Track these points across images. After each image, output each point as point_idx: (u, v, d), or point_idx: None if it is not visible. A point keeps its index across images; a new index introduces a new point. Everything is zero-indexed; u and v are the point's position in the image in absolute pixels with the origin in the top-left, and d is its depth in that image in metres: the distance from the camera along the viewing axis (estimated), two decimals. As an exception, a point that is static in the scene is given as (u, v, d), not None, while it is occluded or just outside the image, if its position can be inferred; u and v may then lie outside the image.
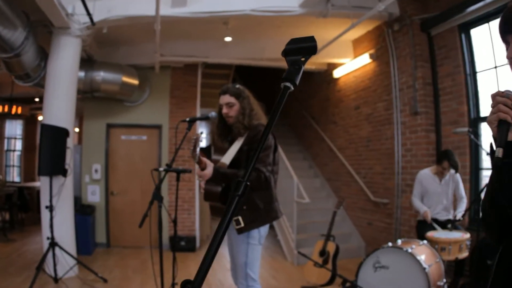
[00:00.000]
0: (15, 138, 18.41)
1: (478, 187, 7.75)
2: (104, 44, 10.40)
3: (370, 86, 10.46)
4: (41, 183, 8.33)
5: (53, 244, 7.64)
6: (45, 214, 7.86)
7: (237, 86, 4.68)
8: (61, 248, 7.78)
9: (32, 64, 8.10)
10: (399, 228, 9.05)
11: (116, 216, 11.67)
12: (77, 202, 10.43)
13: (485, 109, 7.70)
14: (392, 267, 5.48)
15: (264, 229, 4.54)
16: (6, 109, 15.22)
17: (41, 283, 7.48)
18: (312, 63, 11.95)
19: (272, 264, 9.90)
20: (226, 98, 4.57)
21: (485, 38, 7.64)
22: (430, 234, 6.19)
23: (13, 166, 18.28)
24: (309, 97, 14.45)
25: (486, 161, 7.70)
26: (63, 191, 8.08)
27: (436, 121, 8.52)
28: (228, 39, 9.87)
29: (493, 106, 1.76)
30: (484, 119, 7.47)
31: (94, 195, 11.53)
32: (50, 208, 7.63)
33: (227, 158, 4.55)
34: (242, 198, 1.51)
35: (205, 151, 13.89)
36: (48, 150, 7.73)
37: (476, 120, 7.74)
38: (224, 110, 4.59)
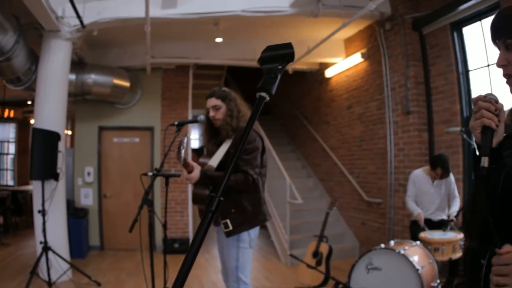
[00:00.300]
0: (8, 142, 18.36)
1: (471, 186, 7.73)
2: (95, 46, 10.36)
3: (362, 85, 10.44)
4: (33, 187, 8.29)
5: (46, 248, 7.59)
6: (37, 219, 7.81)
7: (223, 88, 4.67)
8: (54, 252, 7.74)
9: (23, 68, 8.07)
10: (393, 228, 9.03)
11: (110, 219, 11.63)
12: (70, 205, 10.41)
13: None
14: (385, 268, 5.45)
15: (254, 232, 4.52)
16: (-2, 112, 15.20)
17: (35, 288, 7.47)
18: (304, 63, 11.92)
19: (266, 265, 9.89)
20: (212, 101, 4.56)
21: (477, 37, 7.62)
22: (423, 234, 6.17)
23: (7, 169, 18.24)
24: (301, 97, 14.45)
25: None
26: (55, 195, 8.03)
27: (428, 120, 8.50)
28: (219, 40, 9.84)
29: (475, 111, 1.74)
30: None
31: (87, 198, 11.49)
32: (43, 212, 7.59)
33: (214, 160, 4.54)
34: (216, 213, 1.52)
35: (198, 152, 13.83)
36: (39, 154, 7.69)
37: (469, 119, 7.69)
38: (211, 113, 4.58)
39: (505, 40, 1.71)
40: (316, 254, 7.72)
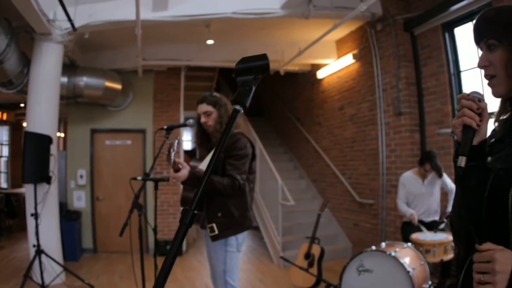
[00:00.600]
0: (2, 144, 18.33)
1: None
2: (87, 49, 10.35)
3: (354, 86, 10.45)
4: (26, 190, 8.27)
5: (39, 251, 7.57)
6: (30, 222, 7.81)
7: (214, 94, 4.68)
8: (47, 255, 7.71)
9: (15, 71, 8.03)
10: (385, 229, 9.04)
11: (102, 221, 11.61)
12: (62, 208, 10.41)
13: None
14: (376, 270, 5.45)
15: (242, 236, 4.55)
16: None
17: (28, 291, 7.46)
18: (296, 64, 11.93)
19: (259, 267, 9.89)
20: (203, 107, 4.57)
21: (469, 37, 7.60)
22: (414, 236, 6.18)
23: (0, 172, 18.19)
24: (294, 98, 14.46)
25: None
26: (48, 198, 8.02)
27: (420, 122, 8.50)
28: (210, 42, 9.83)
29: (458, 109, 1.75)
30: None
31: (79, 200, 11.47)
32: (35, 215, 7.56)
33: (204, 165, 4.54)
34: (190, 226, 1.58)
35: (190, 154, 13.82)
36: (31, 158, 7.66)
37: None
38: (203, 119, 4.60)
39: (487, 41, 1.74)
40: (308, 255, 7.72)
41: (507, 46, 1.67)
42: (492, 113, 1.80)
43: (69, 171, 11.50)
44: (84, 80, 10.06)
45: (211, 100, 4.57)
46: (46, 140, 8.00)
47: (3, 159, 18.24)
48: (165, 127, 4.76)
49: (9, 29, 7.14)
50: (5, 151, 18.35)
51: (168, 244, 11.24)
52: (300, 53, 10.12)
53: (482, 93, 1.76)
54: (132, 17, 7.54)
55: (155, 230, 5.30)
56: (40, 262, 7.54)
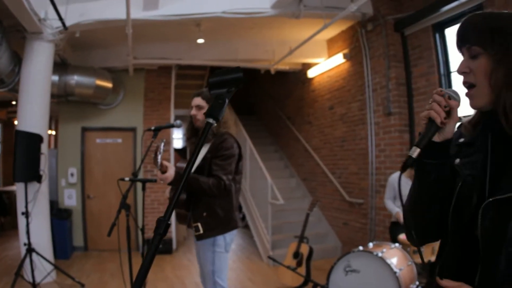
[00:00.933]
0: (-7, 142, 18.29)
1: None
2: (78, 47, 10.34)
3: (344, 86, 10.46)
4: (17, 189, 8.27)
5: (30, 250, 7.56)
6: (21, 220, 7.79)
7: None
8: (38, 254, 7.70)
9: (6, 70, 8.01)
10: (374, 229, 9.06)
11: (93, 220, 11.61)
12: (53, 206, 10.38)
13: (460, 109, 7.73)
14: (363, 271, 5.47)
15: (230, 236, 4.57)
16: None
17: (19, 289, 7.47)
18: (286, 63, 11.95)
19: (249, 266, 9.92)
20: (197, 101, 4.61)
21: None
22: (402, 236, 6.20)
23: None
24: (284, 97, 14.49)
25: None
26: (38, 196, 7.99)
27: (409, 122, 8.52)
28: (200, 41, 9.83)
29: (430, 103, 1.74)
30: (459, 119, 7.47)
31: (70, 199, 11.46)
32: (26, 214, 7.55)
33: None
34: (164, 235, 1.60)
35: (180, 152, 13.82)
36: (22, 156, 7.65)
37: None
38: (193, 111, 4.63)
39: (470, 47, 1.70)
40: (296, 255, 7.75)
41: (492, 55, 1.63)
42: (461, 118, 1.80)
43: (60, 169, 11.49)
44: (75, 79, 10.09)
45: (206, 95, 4.60)
46: (37, 139, 7.99)
47: (-5, 157, 18.20)
48: (152, 128, 4.77)
49: (0, 28, 7.14)
50: (-3, 149, 18.30)
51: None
52: (291, 52, 10.15)
53: (460, 94, 1.76)
54: (123, 16, 7.54)
55: (142, 230, 5.31)
56: (31, 261, 7.52)
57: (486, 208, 1.58)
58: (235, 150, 4.53)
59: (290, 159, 14.16)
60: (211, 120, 1.67)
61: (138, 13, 7.92)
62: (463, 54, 1.75)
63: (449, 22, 7.74)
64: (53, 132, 16.20)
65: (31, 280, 7.45)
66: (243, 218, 12.49)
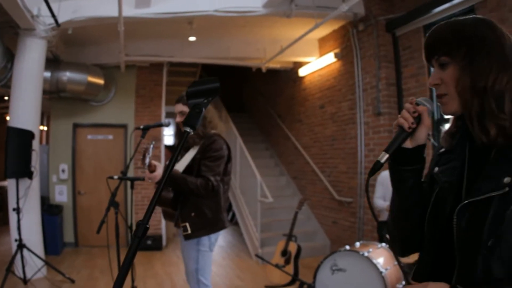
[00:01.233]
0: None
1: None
2: (70, 44, 10.33)
3: (335, 85, 10.50)
4: (8, 185, 8.27)
5: (21, 246, 7.61)
6: (12, 216, 7.82)
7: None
8: (29, 250, 7.75)
9: (-1, 66, 8.05)
10: (362, 228, 9.11)
11: (84, 216, 11.61)
12: (44, 202, 10.39)
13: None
14: (349, 270, 5.51)
15: (215, 236, 4.64)
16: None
17: (10, 285, 7.48)
18: (278, 62, 11.98)
19: (238, 263, 9.96)
20: (179, 107, 4.66)
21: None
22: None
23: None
24: (276, 95, 14.52)
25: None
26: (29, 192, 8.02)
27: (399, 122, 8.53)
28: (192, 39, 9.87)
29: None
30: (448, 120, 7.49)
31: (61, 195, 11.47)
32: (17, 210, 7.58)
33: (181, 165, 4.61)
34: (142, 238, 1.60)
35: (172, 149, 13.87)
36: (14, 153, 7.68)
37: (439, 122, 7.75)
38: (177, 119, 4.69)
39: (439, 58, 1.71)
40: (285, 253, 7.78)
41: (458, 62, 1.66)
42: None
43: (51, 165, 11.49)
44: (67, 75, 10.10)
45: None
46: (28, 136, 8.02)
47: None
48: (141, 126, 4.80)
49: (-7, 25, 7.17)
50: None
51: (148, 239, 11.31)
52: (282, 51, 10.19)
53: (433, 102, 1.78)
54: (115, 13, 7.52)
55: (130, 228, 5.37)
56: (22, 257, 7.57)
57: (462, 210, 1.61)
58: (224, 151, 4.58)
59: (280, 157, 14.20)
60: (188, 129, 1.73)
61: (130, 11, 7.93)
62: (433, 66, 1.77)
63: (441, 23, 7.76)
64: (45, 128, 16.18)
65: (22, 276, 7.50)
66: (233, 217, 12.54)
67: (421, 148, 1.80)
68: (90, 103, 11.71)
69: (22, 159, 7.88)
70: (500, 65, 1.59)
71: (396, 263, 5.67)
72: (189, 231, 4.44)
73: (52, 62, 9.89)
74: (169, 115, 12.91)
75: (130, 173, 9.95)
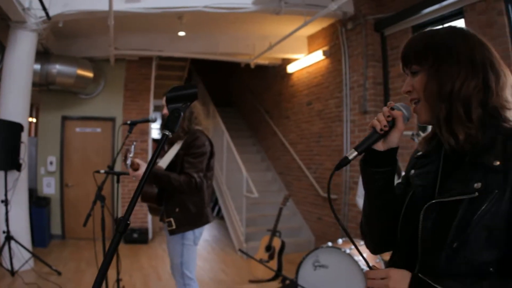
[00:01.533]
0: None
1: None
2: (61, 36, 10.31)
3: (322, 82, 10.56)
4: (-4, 177, 8.29)
5: (8, 238, 7.65)
6: (0, 208, 7.83)
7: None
8: (16, 241, 7.79)
9: (-10, 58, 8.07)
10: (346, 225, 9.16)
11: (71, 208, 11.62)
12: (32, 194, 10.39)
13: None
14: (331, 266, 5.58)
15: (199, 230, 4.73)
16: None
17: (-2, 276, 7.52)
18: (266, 58, 12.04)
19: (223, 258, 10.04)
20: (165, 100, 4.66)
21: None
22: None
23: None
24: (263, 91, 14.56)
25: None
26: (18, 185, 8.03)
27: (385, 121, 8.57)
28: (181, 33, 9.90)
29: None
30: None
31: (49, 187, 11.47)
32: (5, 202, 7.62)
33: (164, 161, 4.68)
34: (124, 234, 1.67)
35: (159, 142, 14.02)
36: (2, 145, 7.68)
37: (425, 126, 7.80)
38: (164, 111, 4.73)
39: (411, 66, 1.77)
40: (269, 248, 7.85)
41: (427, 69, 1.72)
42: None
43: (40, 157, 11.48)
44: (57, 68, 10.13)
45: None
46: (17, 128, 8.03)
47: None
48: (128, 122, 4.85)
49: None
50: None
51: (135, 232, 11.33)
52: (271, 48, 10.22)
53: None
54: (106, 7, 7.54)
55: (116, 220, 5.41)
56: (10, 249, 7.62)
57: (429, 209, 1.67)
58: (206, 148, 4.67)
59: (267, 153, 14.25)
60: (167, 132, 1.78)
61: (120, 5, 7.94)
62: (407, 74, 1.82)
63: (429, 24, 7.74)
64: (34, 120, 16.17)
65: (9, 267, 7.55)
66: (219, 211, 12.58)
67: (393, 151, 1.83)
68: (79, 96, 11.71)
69: (11, 152, 7.89)
70: (468, 70, 1.64)
71: (378, 260, 5.75)
72: (174, 227, 4.52)
73: (42, 54, 9.88)
74: (158, 108, 12.91)
75: (118, 167, 9.97)
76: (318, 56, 10.56)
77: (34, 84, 9.00)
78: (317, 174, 10.67)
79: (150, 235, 11.87)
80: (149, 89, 12.23)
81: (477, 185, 1.56)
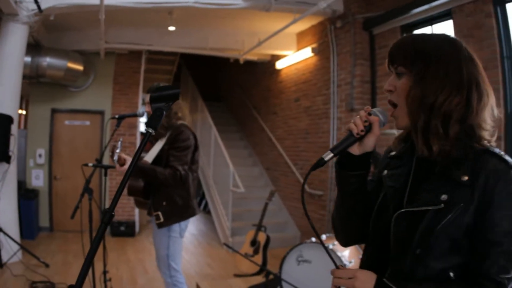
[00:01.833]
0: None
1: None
2: (52, 29, 10.28)
3: (310, 79, 10.63)
4: (-14, 169, 8.30)
5: (-3, 229, 7.70)
6: (-11, 200, 7.86)
7: (161, 85, 4.84)
8: (5, 233, 7.81)
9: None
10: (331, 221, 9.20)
11: (59, 201, 11.63)
12: (21, 186, 10.37)
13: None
14: (314, 261, 5.62)
15: (185, 223, 4.84)
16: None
17: (-13, 268, 7.54)
18: (255, 54, 12.06)
19: (209, 252, 10.10)
20: (148, 97, 4.71)
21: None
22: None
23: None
24: (252, 86, 14.61)
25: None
26: (7, 177, 8.06)
27: (371, 119, 8.62)
28: (171, 28, 9.93)
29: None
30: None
31: (38, 179, 11.47)
32: (-5, 194, 7.66)
33: (149, 156, 4.81)
34: (108, 225, 1.75)
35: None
36: (-9, 137, 7.72)
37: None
38: (146, 108, 4.91)
39: (397, 66, 1.77)
40: (254, 242, 7.91)
41: (413, 75, 1.71)
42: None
43: (29, 149, 11.48)
44: (47, 61, 10.15)
45: None
46: (7, 120, 8.04)
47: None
48: (116, 116, 4.90)
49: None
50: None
51: (122, 225, 11.37)
52: (260, 44, 10.29)
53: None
54: (97, 1, 7.54)
55: (104, 213, 5.46)
56: (-2, 240, 7.66)
57: (399, 217, 1.74)
58: (191, 141, 4.77)
59: (254, 148, 14.31)
60: (150, 130, 1.84)
61: (111, -1, 7.99)
62: (392, 72, 1.82)
63: (418, 25, 7.89)
64: (24, 112, 16.15)
65: (-2, 259, 7.59)
66: (205, 206, 12.62)
67: (368, 155, 1.88)
68: (69, 89, 11.71)
69: (1, 144, 7.90)
70: (454, 86, 1.65)
71: (360, 256, 5.81)
72: (162, 220, 4.63)
73: (33, 47, 9.88)
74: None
75: (106, 160, 10.00)
76: (306, 53, 10.63)
77: (24, 77, 9.00)
78: (304, 170, 10.71)
79: (137, 228, 11.91)
80: (138, 82, 12.25)
81: (444, 197, 1.63)
